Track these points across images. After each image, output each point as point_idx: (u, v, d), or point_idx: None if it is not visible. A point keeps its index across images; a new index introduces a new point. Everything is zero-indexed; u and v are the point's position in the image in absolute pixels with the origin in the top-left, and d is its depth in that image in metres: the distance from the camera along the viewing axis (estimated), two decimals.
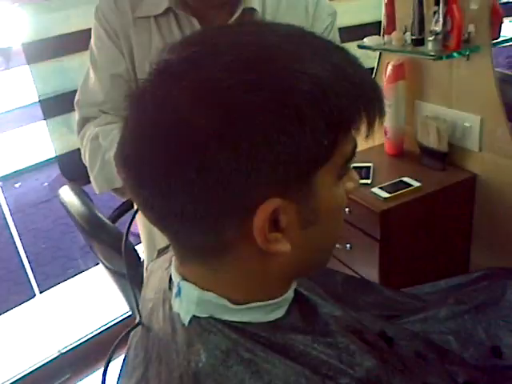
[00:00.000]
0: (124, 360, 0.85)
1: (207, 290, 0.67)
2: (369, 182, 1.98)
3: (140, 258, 1.69)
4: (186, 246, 0.66)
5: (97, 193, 1.34)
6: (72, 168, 2.36)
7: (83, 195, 1.93)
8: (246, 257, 0.63)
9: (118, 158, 0.63)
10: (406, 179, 1.95)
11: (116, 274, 1.82)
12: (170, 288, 0.75)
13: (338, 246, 2.02)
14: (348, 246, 2.01)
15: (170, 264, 0.78)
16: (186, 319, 0.68)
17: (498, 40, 1.84)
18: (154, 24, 1.28)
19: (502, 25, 1.86)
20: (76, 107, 1.39)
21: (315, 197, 0.61)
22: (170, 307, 0.72)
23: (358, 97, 0.60)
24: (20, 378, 2.44)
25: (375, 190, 1.91)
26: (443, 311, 1.34)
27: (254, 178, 0.55)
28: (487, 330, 1.34)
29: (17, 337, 2.86)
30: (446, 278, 1.57)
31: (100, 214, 1.79)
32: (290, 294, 0.72)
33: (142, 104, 0.60)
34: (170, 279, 0.75)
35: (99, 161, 1.27)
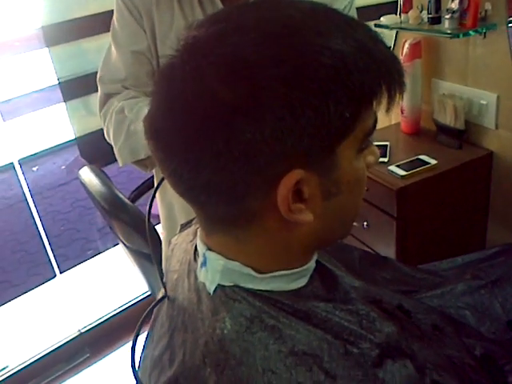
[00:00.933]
0: (149, 332, 0.88)
1: (232, 260, 0.69)
2: (386, 160, 1.98)
3: (160, 238, 1.72)
4: (213, 216, 0.68)
5: (120, 165, 1.34)
6: (91, 150, 2.39)
7: (103, 176, 1.96)
8: (271, 227, 0.65)
9: (147, 130, 0.65)
10: (422, 157, 1.95)
11: (136, 252, 1.85)
12: (195, 259, 0.77)
13: (355, 224, 2.02)
14: (365, 223, 2.02)
15: (195, 237, 0.80)
16: (211, 288, 0.70)
17: None
18: (177, 3, 1.29)
19: None
20: (99, 83, 1.40)
21: (337, 169, 0.63)
22: (196, 277, 0.75)
23: (379, 71, 0.61)
24: (41, 358, 2.48)
25: (392, 167, 1.91)
26: (460, 286, 1.35)
27: (279, 150, 0.57)
28: (503, 304, 1.35)
29: (37, 317, 2.91)
30: (463, 255, 1.58)
31: (120, 194, 1.82)
32: (311, 263, 0.75)
33: (171, 78, 0.62)
34: (195, 251, 0.78)
35: (124, 132, 1.28)
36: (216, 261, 0.70)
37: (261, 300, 0.68)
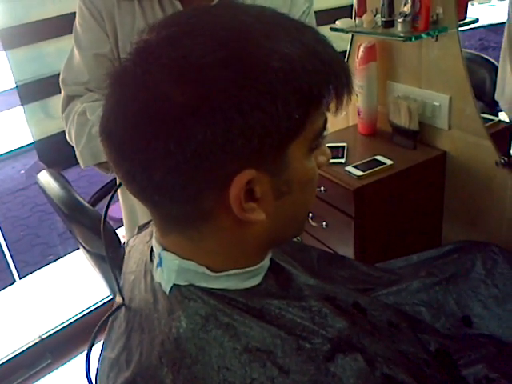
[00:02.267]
0: (106, 335, 0.88)
1: (187, 259, 0.70)
2: (343, 161, 2.01)
3: (120, 241, 1.71)
4: (167, 216, 0.69)
5: (82, 167, 1.35)
6: (50, 153, 2.36)
7: (62, 179, 1.93)
8: (224, 226, 0.67)
9: (101, 132, 0.66)
10: (378, 158, 1.98)
11: (96, 256, 1.84)
12: (152, 259, 0.78)
13: (314, 224, 2.05)
14: (324, 223, 2.04)
15: (151, 237, 0.81)
16: (167, 288, 0.71)
17: (465, 21, 1.88)
18: (138, 6, 1.29)
19: (468, 6, 1.90)
20: (61, 85, 1.40)
21: (288, 169, 0.65)
22: (152, 278, 0.76)
23: (327, 73, 0.63)
24: (1, 364, 2.44)
25: (349, 168, 1.94)
26: (415, 284, 1.38)
27: (229, 151, 0.59)
28: (458, 300, 1.38)
29: None
30: (419, 253, 1.62)
31: (79, 198, 1.80)
32: (265, 262, 0.76)
33: (123, 81, 0.63)
34: (151, 251, 0.79)
35: (86, 135, 1.29)
36: (171, 261, 0.71)
37: (215, 298, 0.69)
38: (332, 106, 0.66)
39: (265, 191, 0.65)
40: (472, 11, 1.91)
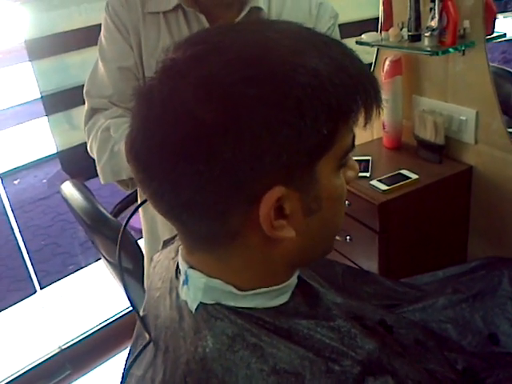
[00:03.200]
0: (131, 349, 0.88)
1: (214, 278, 0.69)
2: (368, 174, 2.00)
3: (142, 252, 1.71)
4: (194, 235, 0.68)
5: (102, 183, 1.35)
6: (73, 164, 2.38)
7: (85, 190, 1.95)
8: (252, 244, 0.66)
9: (128, 152, 0.66)
10: (403, 172, 1.97)
11: (118, 267, 1.84)
12: (177, 277, 0.77)
13: (337, 238, 2.04)
14: (348, 238, 2.03)
15: (177, 254, 0.80)
16: (193, 306, 0.70)
17: (492, 36, 1.87)
18: (163, 20, 1.29)
19: (496, 20, 1.88)
20: (86, 97, 1.40)
21: (317, 185, 0.64)
22: (177, 295, 0.75)
23: (355, 88, 0.63)
24: (21, 374, 2.45)
25: (374, 182, 1.93)
26: (441, 300, 1.37)
27: (259, 168, 0.58)
28: (484, 317, 1.36)
29: (18, 333, 2.87)
30: (444, 269, 1.60)
31: (102, 209, 1.81)
32: (293, 280, 0.75)
33: (149, 100, 0.62)
34: (177, 268, 0.78)
35: (108, 151, 1.29)
36: (198, 279, 0.70)
37: (242, 318, 0.68)
38: (361, 120, 0.65)
39: (294, 208, 0.64)
40: (498, 25, 1.90)
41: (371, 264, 1.96)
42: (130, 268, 1.74)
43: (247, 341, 0.66)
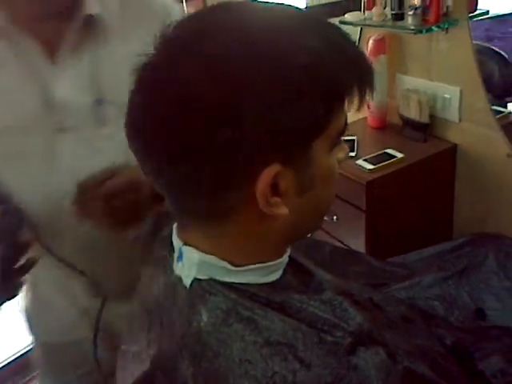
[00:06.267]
0: (128, 328, 0.90)
1: (208, 254, 0.71)
2: (353, 154, 2.02)
3: None
4: (190, 212, 0.69)
5: None
6: None
7: None
8: (247, 221, 0.67)
9: (129, 129, 0.67)
10: (389, 151, 1.99)
11: None
12: (171, 255, 0.78)
13: (325, 218, 2.06)
14: (335, 217, 2.05)
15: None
16: (187, 282, 0.71)
17: (475, 13, 1.88)
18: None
19: None
20: None
21: (312, 164, 0.65)
22: (171, 273, 0.76)
23: (351, 69, 0.64)
24: None
25: (360, 162, 1.95)
26: (428, 278, 1.39)
27: (258, 146, 0.59)
28: (470, 293, 1.38)
29: None
30: (430, 246, 1.62)
31: None
32: (285, 257, 0.76)
33: (149, 76, 0.63)
34: (171, 246, 0.79)
35: None
36: (192, 254, 0.71)
37: (236, 292, 0.69)
38: (354, 102, 0.66)
39: (289, 186, 0.65)
40: (480, 2, 1.92)
41: (358, 243, 1.98)
42: None
43: (241, 314, 0.67)
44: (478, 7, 1.90)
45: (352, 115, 2.21)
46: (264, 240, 0.71)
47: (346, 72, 0.63)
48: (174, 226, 0.79)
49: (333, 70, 0.61)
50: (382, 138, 2.17)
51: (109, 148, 1.02)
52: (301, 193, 0.67)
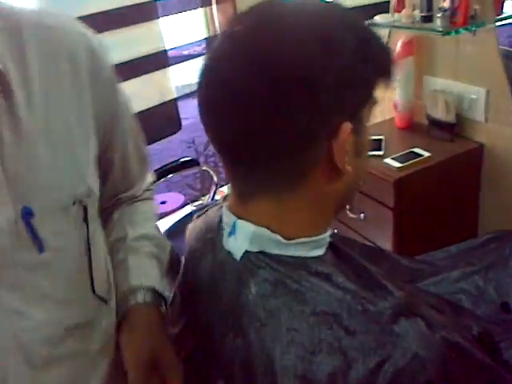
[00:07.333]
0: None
1: (262, 227, 0.75)
2: (381, 153, 2.05)
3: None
4: (260, 179, 0.74)
5: None
6: None
7: None
8: (316, 183, 0.74)
9: (204, 105, 0.74)
10: (416, 150, 2.02)
11: None
12: (219, 235, 0.83)
13: (352, 215, 2.10)
14: (362, 215, 2.08)
15: (214, 217, 0.87)
16: (238, 254, 0.76)
17: (502, 16, 1.91)
18: None
19: (505, 2, 1.95)
20: None
21: (362, 131, 0.74)
22: (219, 251, 0.81)
23: (389, 55, 0.75)
24: None
25: (387, 160, 1.98)
26: (454, 273, 1.41)
27: (335, 106, 0.68)
28: (497, 287, 1.41)
29: None
30: (456, 244, 1.65)
31: None
32: (328, 233, 0.81)
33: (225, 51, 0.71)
34: (219, 226, 0.84)
35: None
36: (247, 228, 0.76)
37: (285, 265, 0.74)
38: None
39: (351, 147, 0.72)
40: (507, 7, 1.95)
41: (385, 241, 2.01)
42: None
43: (289, 287, 0.72)
44: (504, 11, 1.93)
45: (379, 115, 2.27)
46: (324, 205, 0.78)
47: (384, 52, 0.75)
48: (225, 204, 0.83)
49: (376, 47, 0.73)
50: (409, 138, 2.20)
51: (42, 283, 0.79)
52: (356, 155, 0.74)
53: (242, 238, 0.77)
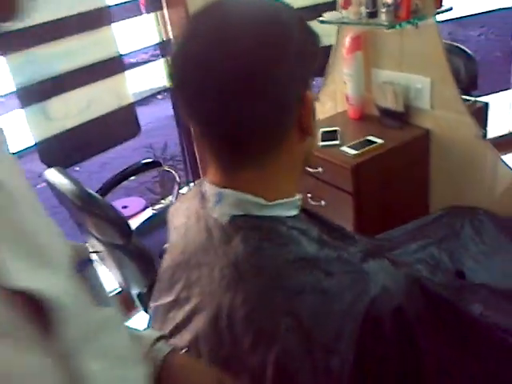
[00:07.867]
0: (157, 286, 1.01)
1: (246, 193, 0.84)
2: (338, 142, 2.15)
3: (131, 230, 1.82)
4: (243, 151, 0.83)
5: None
6: (51, 154, 2.43)
7: (70, 175, 2.00)
8: (292, 142, 0.85)
9: (178, 82, 0.82)
10: (370, 138, 2.13)
11: (109, 245, 1.93)
12: (203, 207, 0.90)
13: (313, 203, 2.20)
14: (323, 202, 2.18)
15: (195, 195, 0.94)
16: (224, 219, 0.84)
17: (441, 9, 2.04)
18: None
19: None
20: None
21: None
22: (205, 220, 0.88)
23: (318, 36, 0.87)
24: None
25: (344, 148, 2.08)
26: (412, 246, 1.53)
27: (302, 76, 0.83)
28: (451, 257, 1.53)
29: None
30: (412, 221, 1.77)
31: (90, 190, 1.89)
32: (298, 198, 0.91)
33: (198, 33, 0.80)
34: (202, 199, 0.91)
35: None
36: (232, 195, 0.84)
37: (268, 223, 0.83)
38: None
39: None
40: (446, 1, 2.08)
41: (346, 224, 2.05)
42: (121, 244, 1.84)
43: (274, 241, 0.81)
44: (443, 4, 2.06)
45: (333, 109, 2.37)
46: (295, 169, 0.89)
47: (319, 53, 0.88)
48: (206, 179, 0.91)
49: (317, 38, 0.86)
50: (363, 128, 2.31)
51: None
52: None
53: (228, 205, 0.85)
